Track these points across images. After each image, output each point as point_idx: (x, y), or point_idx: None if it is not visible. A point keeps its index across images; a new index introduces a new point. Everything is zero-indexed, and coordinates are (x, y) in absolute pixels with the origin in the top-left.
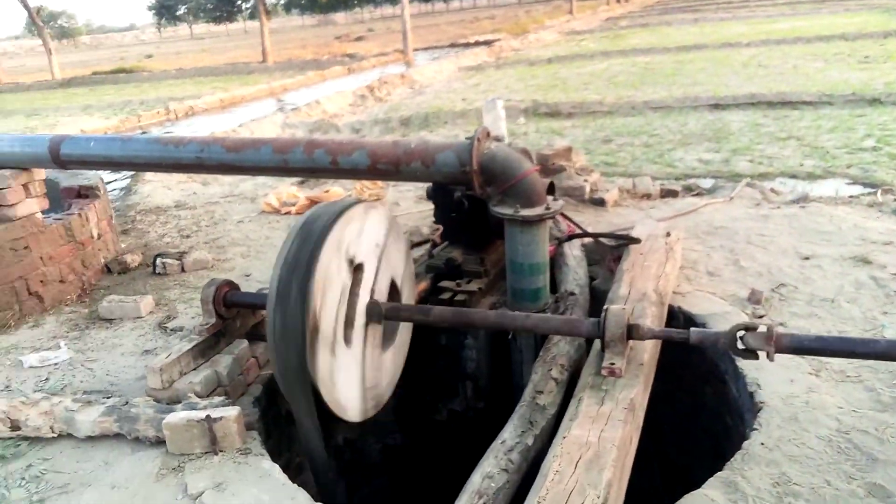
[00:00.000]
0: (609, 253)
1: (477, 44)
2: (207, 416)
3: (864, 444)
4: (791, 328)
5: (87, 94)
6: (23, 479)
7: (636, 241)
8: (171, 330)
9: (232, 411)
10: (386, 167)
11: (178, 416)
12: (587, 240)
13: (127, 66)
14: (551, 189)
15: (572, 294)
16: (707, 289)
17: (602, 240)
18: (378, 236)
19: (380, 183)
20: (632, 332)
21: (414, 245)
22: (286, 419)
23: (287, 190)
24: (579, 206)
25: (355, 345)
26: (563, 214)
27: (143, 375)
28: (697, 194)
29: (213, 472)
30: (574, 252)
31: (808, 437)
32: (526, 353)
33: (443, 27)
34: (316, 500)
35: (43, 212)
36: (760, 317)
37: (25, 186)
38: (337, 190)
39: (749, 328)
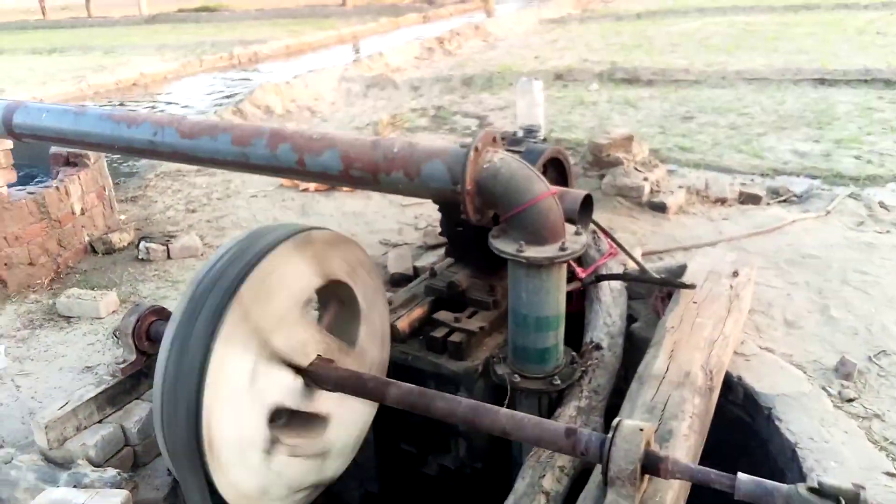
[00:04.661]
0: (657, 289)
1: None
2: None
3: None
4: (892, 422)
5: (168, 33)
6: None
7: (689, 286)
8: None
9: (116, 500)
10: (361, 174)
11: (51, 497)
12: (630, 266)
13: (210, 5)
14: (588, 204)
15: (598, 348)
16: (781, 347)
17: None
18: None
19: None
20: (651, 466)
21: (428, 248)
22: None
23: None
24: (634, 212)
25: None
26: (603, 231)
27: None
28: (785, 200)
29: None
30: (611, 283)
31: None
32: None
33: None
34: None
35: (11, 185)
36: (850, 400)
37: None
38: None
39: (826, 493)
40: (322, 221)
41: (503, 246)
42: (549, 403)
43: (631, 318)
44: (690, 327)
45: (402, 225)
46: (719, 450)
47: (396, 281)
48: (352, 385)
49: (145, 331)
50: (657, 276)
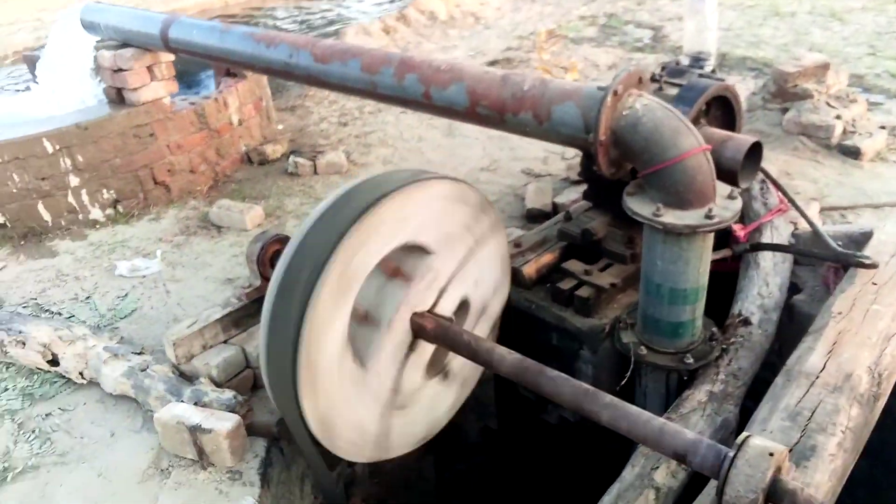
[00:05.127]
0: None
1: None
2: (196, 427)
3: None
4: None
5: None
6: (33, 432)
7: (868, 265)
8: None
9: (226, 423)
10: (487, 112)
11: (173, 412)
12: (801, 226)
13: None
14: (756, 152)
15: (746, 323)
16: None
17: (815, 249)
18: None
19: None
20: (777, 498)
21: (573, 182)
22: None
23: None
24: (819, 155)
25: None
26: (773, 181)
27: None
28: None
29: (194, 493)
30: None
31: None
32: (651, 399)
33: None
34: None
35: (174, 95)
36: None
37: (150, 69)
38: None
39: None
40: (466, 143)
41: (638, 207)
42: (679, 383)
43: (794, 288)
44: (863, 316)
45: (549, 153)
46: (881, 451)
47: (533, 216)
48: (456, 343)
49: (269, 258)
50: (830, 247)
